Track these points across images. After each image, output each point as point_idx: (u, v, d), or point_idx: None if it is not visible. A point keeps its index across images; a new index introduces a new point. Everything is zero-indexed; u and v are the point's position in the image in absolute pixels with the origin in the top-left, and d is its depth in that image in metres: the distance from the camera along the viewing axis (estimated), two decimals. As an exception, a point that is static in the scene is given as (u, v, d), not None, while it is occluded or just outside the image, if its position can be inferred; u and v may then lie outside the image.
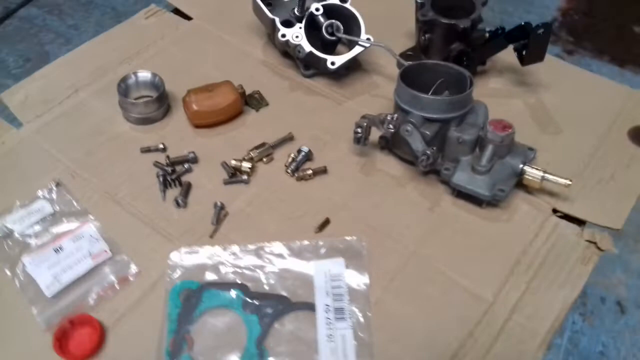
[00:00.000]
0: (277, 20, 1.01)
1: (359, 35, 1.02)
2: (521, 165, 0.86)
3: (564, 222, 0.86)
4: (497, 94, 1.05)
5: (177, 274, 0.80)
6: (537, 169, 0.86)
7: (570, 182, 0.84)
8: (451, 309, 0.77)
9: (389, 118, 0.88)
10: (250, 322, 0.76)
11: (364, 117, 0.91)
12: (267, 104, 1.03)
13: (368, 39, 1.02)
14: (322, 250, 0.82)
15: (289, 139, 0.97)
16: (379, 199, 0.89)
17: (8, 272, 0.80)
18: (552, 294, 0.78)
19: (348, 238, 0.82)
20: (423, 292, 0.79)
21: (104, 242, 0.83)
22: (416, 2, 1.03)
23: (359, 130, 0.90)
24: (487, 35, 1.01)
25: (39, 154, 0.95)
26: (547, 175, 0.85)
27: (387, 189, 0.91)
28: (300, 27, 1.01)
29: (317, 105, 1.03)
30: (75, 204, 0.88)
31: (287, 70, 1.09)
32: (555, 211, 0.88)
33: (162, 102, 0.99)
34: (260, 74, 1.08)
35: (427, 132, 0.85)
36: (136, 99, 0.99)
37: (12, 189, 0.90)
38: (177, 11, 1.23)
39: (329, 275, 0.79)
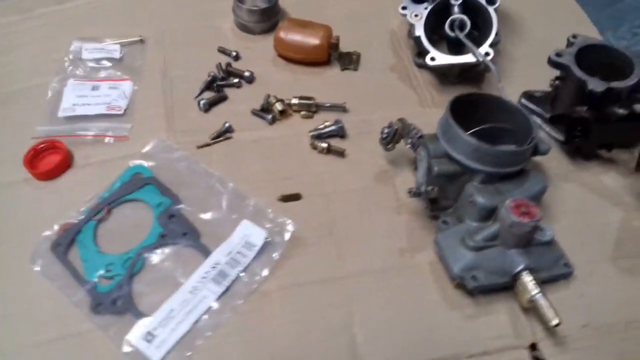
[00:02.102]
0: (408, -10, 0.91)
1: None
2: (520, 268, 0.66)
3: (529, 362, 0.65)
4: (598, 189, 0.80)
5: (145, 158, 0.82)
6: (536, 284, 0.65)
7: (557, 323, 0.63)
8: (311, 344, 0.66)
9: (413, 132, 0.74)
10: (154, 231, 0.75)
11: (400, 120, 0.78)
12: (355, 69, 0.95)
13: (487, 53, 0.85)
14: (262, 216, 0.75)
15: (341, 109, 0.89)
16: (364, 210, 0.78)
17: (54, 84, 0.92)
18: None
19: (286, 221, 0.75)
20: (300, 315, 0.69)
21: (126, 101, 0.89)
22: (568, 40, 0.82)
23: (386, 130, 0.78)
24: (622, 114, 0.76)
25: (150, 14, 1.04)
26: (538, 298, 0.64)
27: (382, 206, 0.78)
28: (426, 8, 0.90)
29: (400, 95, 0.92)
30: (137, 62, 0.95)
31: (405, 51, 0.98)
32: (533, 347, 0.66)
33: (263, 18, 0.99)
34: (377, 40, 1.00)
35: (435, 168, 0.70)
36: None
37: (112, 30, 1.01)
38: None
39: (245, 240, 0.73)
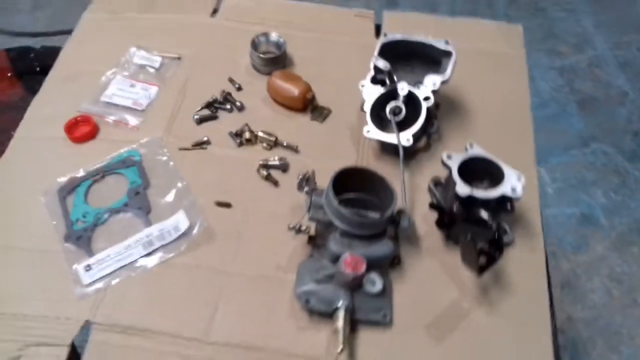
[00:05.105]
0: (371, 74, 1.14)
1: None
2: (340, 304, 0.89)
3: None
4: (452, 271, 0.99)
5: (140, 147, 1.14)
6: (344, 319, 0.88)
7: (340, 349, 0.85)
8: (184, 305, 0.94)
9: (312, 182, 0.99)
10: (122, 200, 1.07)
11: (313, 170, 1.03)
12: (321, 122, 1.20)
13: (408, 139, 1.07)
14: (194, 211, 1.04)
15: (294, 149, 1.15)
16: (269, 228, 1.03)
17: (108, 75, 1.26)
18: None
19: (202, 219, 1.03)
20: (186, 285, 0.97)
21: (148, 101, 1.22)
22: (465, 147, 1.01)
23: (300, 175, 1.03)
24: (481, 218, 0.96)
25: (194, 39, 1.35)
26: (338, 328, 0.87)
27: (284, 230, 1.00)
28: (379, 90, 1.12)
29: (345, 151, 1.15)
30: (168, 74, 1.27)
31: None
32: (337, 368, 0.90)
33: (270, 63, 1.25)
34: (350, 104, 1.22)
35: (309, 214, 0.94)
36: (264, 53, 1.28)
37: (162, 44, 1.33)
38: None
39: (175, 225, 1.02)
